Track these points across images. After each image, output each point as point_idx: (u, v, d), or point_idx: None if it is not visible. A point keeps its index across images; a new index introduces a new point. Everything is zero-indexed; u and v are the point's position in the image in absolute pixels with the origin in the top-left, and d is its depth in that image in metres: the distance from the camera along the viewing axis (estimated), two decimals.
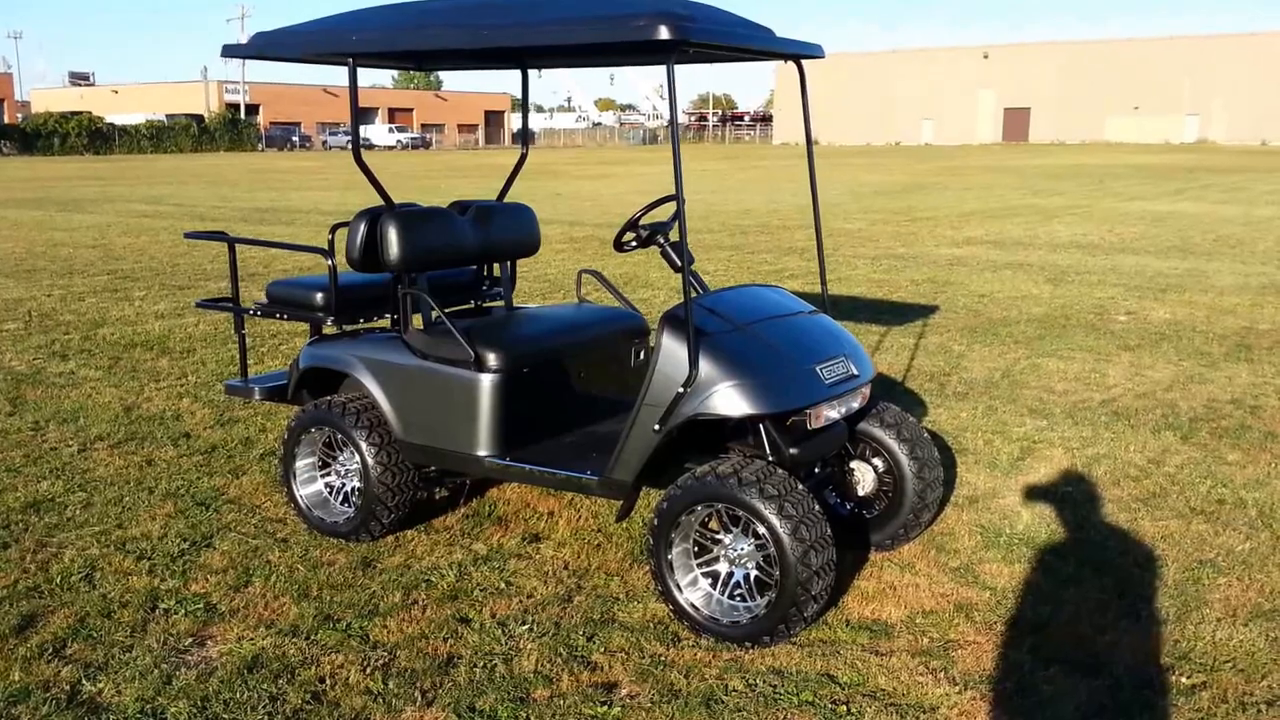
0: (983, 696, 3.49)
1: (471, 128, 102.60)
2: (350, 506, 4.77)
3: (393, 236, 4.54)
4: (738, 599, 3.89)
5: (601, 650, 3.78)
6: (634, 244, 4.60)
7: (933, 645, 3.81)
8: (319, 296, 5.00)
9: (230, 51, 4.88)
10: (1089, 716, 3.38)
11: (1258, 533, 4.76)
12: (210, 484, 5.43)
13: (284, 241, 5.87)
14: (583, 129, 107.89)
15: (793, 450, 4.05)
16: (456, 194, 23.94)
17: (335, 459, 4.85)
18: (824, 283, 4.86)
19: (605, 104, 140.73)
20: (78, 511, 5.06)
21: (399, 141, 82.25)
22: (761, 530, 3.72)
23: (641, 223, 4.62)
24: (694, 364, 3.89)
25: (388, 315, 5.23)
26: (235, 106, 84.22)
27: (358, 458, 4.63)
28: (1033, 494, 5.24)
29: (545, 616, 4.02)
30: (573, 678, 3.60)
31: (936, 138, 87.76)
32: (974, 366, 7.82)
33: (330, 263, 4.89)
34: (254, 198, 26.26)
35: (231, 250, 5.29)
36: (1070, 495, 5.23)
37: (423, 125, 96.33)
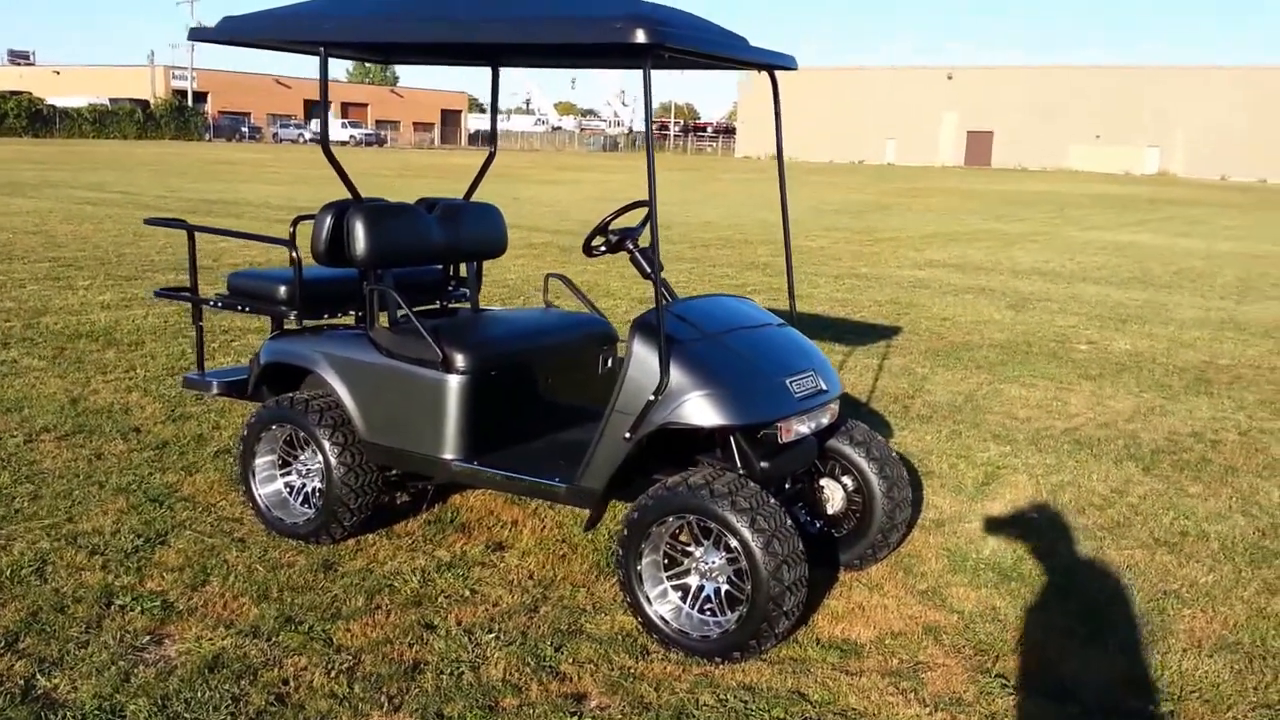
0: (954, 719, 3.48)
1: (428, 126, 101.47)
2: (311, 507, 4.66)
3: (360, 231, 4.45)
4: (708, 613, 3.85)
5: (570, 661, 3.72)
6: (603, 249, 4.54)
7: (902, 666, 3.80)
8: (282, 290, 4.88)
9: (197, 35, 4.70)
10: None
11: (1220, 565, 4.80)
12: (163, 480, 5.28)
13: (246, 232, 5.73)
14: (540, 132, 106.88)
15: (763, 464, 4.02)
16: (409, 194, 23.69)
17: (296, 458, 4.73)
18: (792, 296, 4.83)
19: (565, 108, 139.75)
20: (26, 504, 4.90)
21: (352, 137, 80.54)
22: (734, 543, 3.68)
23: (611, 228, 4.57)
24: (665, 372, 3.85)
25: (352, 311, 5.14)
26: (182, 93, 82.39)
27: (320, 457, 4.52)
28: (998, 519, 5.25)
29: (512, 625, 3.96)
30: (542, 687, 3.54)
31: (899, 158, 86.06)
32: (937, 390, 7.84)
33: (295, 255, 4.78)
34: (201, 188, 25.80)
35: (191, 239, 5.16)
36: (1036, 522, 5.25)
37: (377, 121, 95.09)
